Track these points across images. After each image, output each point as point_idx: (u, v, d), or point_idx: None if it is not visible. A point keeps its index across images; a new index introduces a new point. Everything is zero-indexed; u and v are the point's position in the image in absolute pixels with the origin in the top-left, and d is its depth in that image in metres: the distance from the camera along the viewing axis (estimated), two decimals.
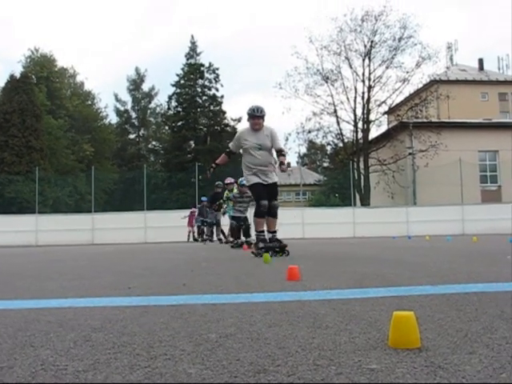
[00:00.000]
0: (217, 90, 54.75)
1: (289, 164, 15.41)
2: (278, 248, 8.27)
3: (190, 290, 3.89)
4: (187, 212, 27.61)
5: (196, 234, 25.31)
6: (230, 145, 9.03)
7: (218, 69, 55.09)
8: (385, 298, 3.05)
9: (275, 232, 8.61)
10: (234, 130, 53.87)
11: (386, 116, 43.23)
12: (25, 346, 1.97)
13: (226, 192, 16.60)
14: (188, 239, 26.33)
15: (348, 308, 2.70)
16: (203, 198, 21.93)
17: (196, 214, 24.14)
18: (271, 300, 3.14)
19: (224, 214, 17.98)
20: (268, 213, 8.49)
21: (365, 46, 39.87)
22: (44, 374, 1.54)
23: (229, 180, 16.68)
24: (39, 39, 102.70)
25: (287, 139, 40.78)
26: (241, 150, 8.87)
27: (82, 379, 1.47)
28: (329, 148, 52.33)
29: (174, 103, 55.16)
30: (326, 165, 69.07)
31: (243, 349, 1.83)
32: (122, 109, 64.28)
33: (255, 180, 8.53)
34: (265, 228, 8.62)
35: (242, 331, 2.15)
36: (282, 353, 1.74)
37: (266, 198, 8.40)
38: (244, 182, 12.09)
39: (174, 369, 1.57)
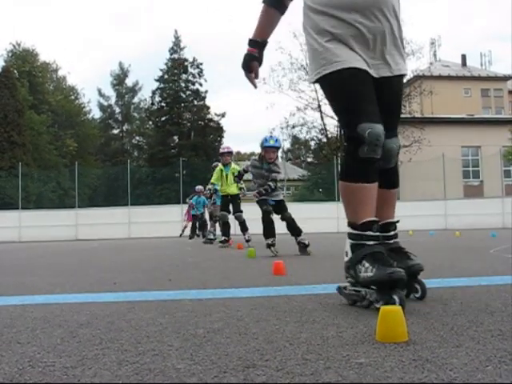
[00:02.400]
0: (200, 84, 54.51)
1: None
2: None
3: (176, 285, 3.89)
4: (183, 209, 25.57)
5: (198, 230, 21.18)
6: None
7: (201, 64, 54.83)
8: None
9: (394, 226, 2.95)
10: (218, 124, 53.74)
11: None
12: (11, 342, 1.96)
13: (219, 167, 12.00)
14: (181, 234, 24.31)
15: (335, 302, 2.71)
16: (196, 188, 19.33)
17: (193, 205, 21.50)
18: (257, 295, 3.15)
19: (214, 202, 14.33)
20: (384, 173, 2.86)
21: None
22: (31, 370, 1.54)
23: (226, 148, 12.27)
24: (21, 33, 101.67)
25: (271, 134, 40.81)
26: None
27: (71, 375, 1.47)
28: (313, 143, 52.54)
29: (157, 98, 54.82)
30: (309, 160, 69.11)
31: (231, 344, 1.83)
32: (105, 104, 63.84)
33: (352, 58, 2.69)
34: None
35: (229, 326, 2.16)
36: (271, 347, 1.75)
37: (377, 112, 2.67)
38: (268, 138, 8.07)
39: (163, 364, 1.57)
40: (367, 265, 2.49)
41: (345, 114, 2.75)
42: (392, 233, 2.89)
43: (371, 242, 2.57)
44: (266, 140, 7.96)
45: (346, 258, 2.68)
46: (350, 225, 2.68)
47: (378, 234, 2.61)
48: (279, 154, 8.60)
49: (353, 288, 2.63)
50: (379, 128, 2.59)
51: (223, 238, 11.35)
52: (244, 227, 11.51)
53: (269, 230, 7.82)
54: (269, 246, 7.66)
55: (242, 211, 11.48)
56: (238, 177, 10.00)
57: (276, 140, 8.09)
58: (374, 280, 2.43)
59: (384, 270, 2.39)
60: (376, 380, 1.34)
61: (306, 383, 1.34)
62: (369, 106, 2.65)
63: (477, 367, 1.43)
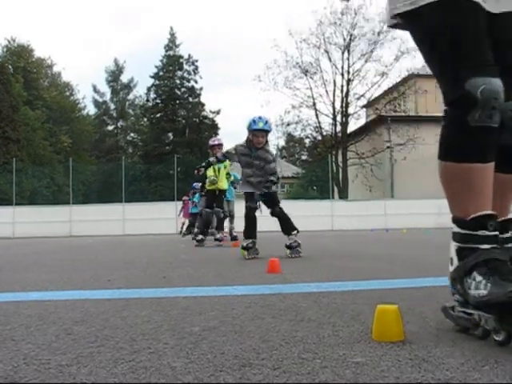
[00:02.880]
0: (196, 82, 54.53)
1: None
2: None
3: (171, 282, 3.88)
4: (177, 206, 25.67)
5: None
6: None
7: (197, 61, 54.83)
8: (365, 291, 3.07)
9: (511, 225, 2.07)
10: (213, 122, 53.76)
11: (364, 109, 43.38)
12: (5, 340, 1.95)
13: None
14: (181, 231, 24.11)
15: (329, 301, 2.71)
16: (195, 185, 18.86)
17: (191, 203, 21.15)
18: (252, 293, 3.14)
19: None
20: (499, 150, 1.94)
21: (344, 40, 39.92)
22: (26, 368, 1.53)
23: (216, 141, 11.25)
24: (16, 29, 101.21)
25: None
26: None
27: (66, 373, 1.46)
28: (307, 141, 52.52)
29: (152, 95, 54.79)
30: (304, 158, 69.16)
31: (227, 342, 1.82)
32: (100, 100, 63.71)
33: None
34: None
35: (224, 324, 2.15)
36: (267, 346, 1.74)
37: (492, 61, 1.88)
38: (257, 120, 6.81)
39: (159, 362, 1.56)
40: (479, 278, 1.77)
41: (446, 65, 1.93)
42: (509, 234, 1.97)
43: (486, 246, 1.81)
44: (254, 122, 6.75)
45: (451, 268, 1.97)
46: (456, 221, 1.92)
47: (496, 233, 1.83)
48: (275, 151, 7.64)
49: (462, 309, 1.89)
50: (497, 83, 1.79)
51: (200, 236, 10.63)
52: (220, 226, 11.02)
53: (249, 229, 6.87)
54: (243, 248, 6.59)
55: (222, 208, 10.95)
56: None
57: (266, 122, 6.85)
58: (487, 300, 1.69)
59: (503, 286, 1.64)
60: (372, 379, 1.34)
61: (303, 382, 1.34)
62: (482, 53, 1.84)
63: (473, 367, 1.43)
